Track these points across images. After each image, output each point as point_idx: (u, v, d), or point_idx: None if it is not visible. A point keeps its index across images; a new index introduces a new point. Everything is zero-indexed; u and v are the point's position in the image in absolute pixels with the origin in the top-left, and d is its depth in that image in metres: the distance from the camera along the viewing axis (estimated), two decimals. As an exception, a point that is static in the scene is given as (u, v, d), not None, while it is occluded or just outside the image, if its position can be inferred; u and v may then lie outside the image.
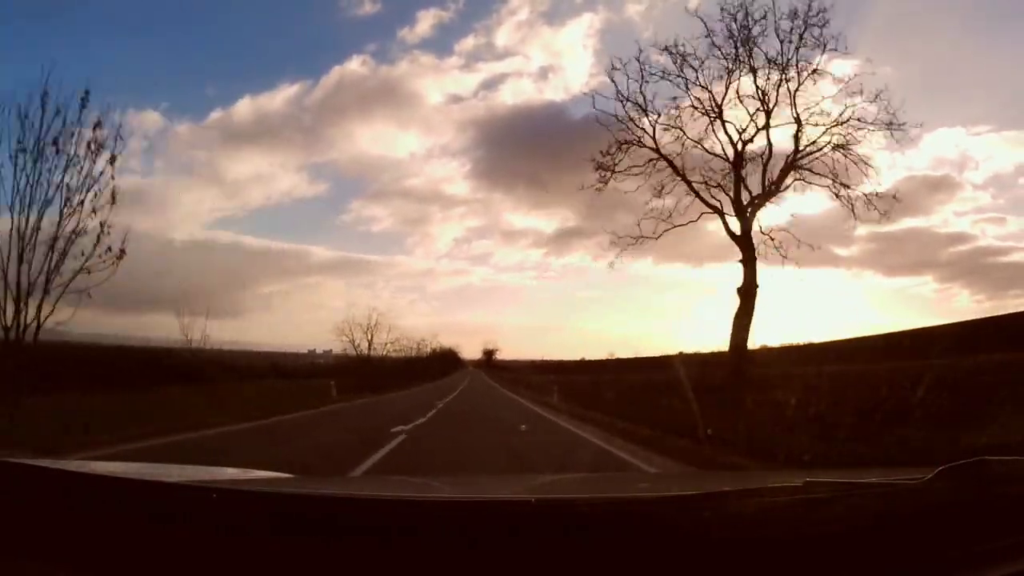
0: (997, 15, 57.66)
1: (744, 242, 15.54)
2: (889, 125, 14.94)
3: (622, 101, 16.26)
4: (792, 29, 15.19)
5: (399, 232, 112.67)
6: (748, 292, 15.25)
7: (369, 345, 34.14)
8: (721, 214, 16.10)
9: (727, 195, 16.07)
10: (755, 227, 15.72)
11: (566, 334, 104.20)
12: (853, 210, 15.48)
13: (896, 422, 6.71)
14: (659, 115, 16.26)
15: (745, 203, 15.78)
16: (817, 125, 15.44)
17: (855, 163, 15.35)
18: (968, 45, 64.80)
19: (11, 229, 9.32)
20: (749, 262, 15.37)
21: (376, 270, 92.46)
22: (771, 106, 15.64)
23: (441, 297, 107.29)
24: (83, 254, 9.47)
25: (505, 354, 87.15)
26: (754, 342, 16.87)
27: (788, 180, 15.71)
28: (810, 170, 15.66)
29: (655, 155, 16.21)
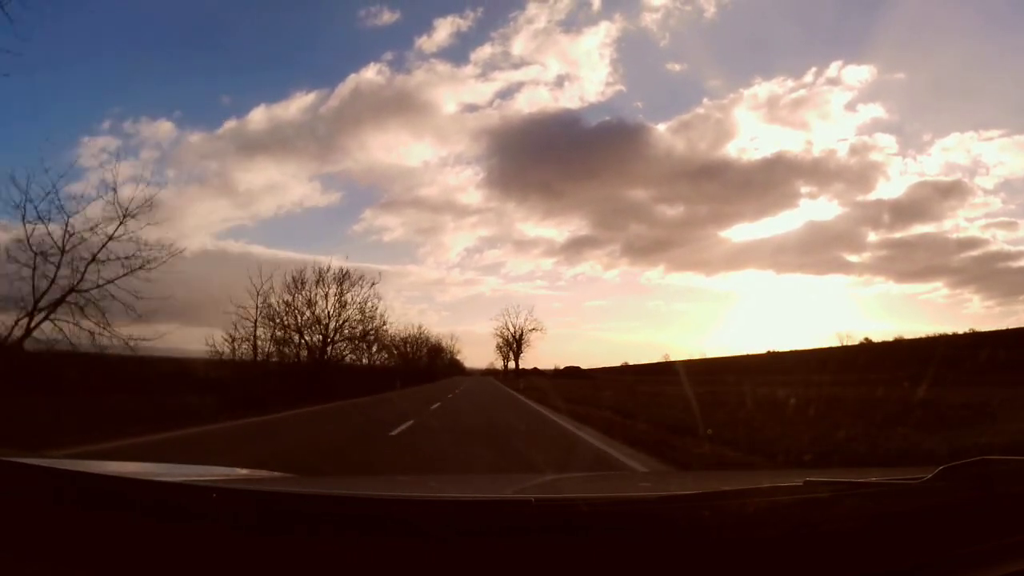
0: (1008, 20, 57.72)
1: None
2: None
3: None
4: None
5: (411, 242, 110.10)
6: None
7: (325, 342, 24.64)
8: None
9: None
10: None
11: (582, 343, 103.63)
12: None
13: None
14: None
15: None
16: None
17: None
18: (980, 50, 64.85)
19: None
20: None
21: (386, 280, 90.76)
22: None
23: (451, 307, 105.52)
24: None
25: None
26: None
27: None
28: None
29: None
